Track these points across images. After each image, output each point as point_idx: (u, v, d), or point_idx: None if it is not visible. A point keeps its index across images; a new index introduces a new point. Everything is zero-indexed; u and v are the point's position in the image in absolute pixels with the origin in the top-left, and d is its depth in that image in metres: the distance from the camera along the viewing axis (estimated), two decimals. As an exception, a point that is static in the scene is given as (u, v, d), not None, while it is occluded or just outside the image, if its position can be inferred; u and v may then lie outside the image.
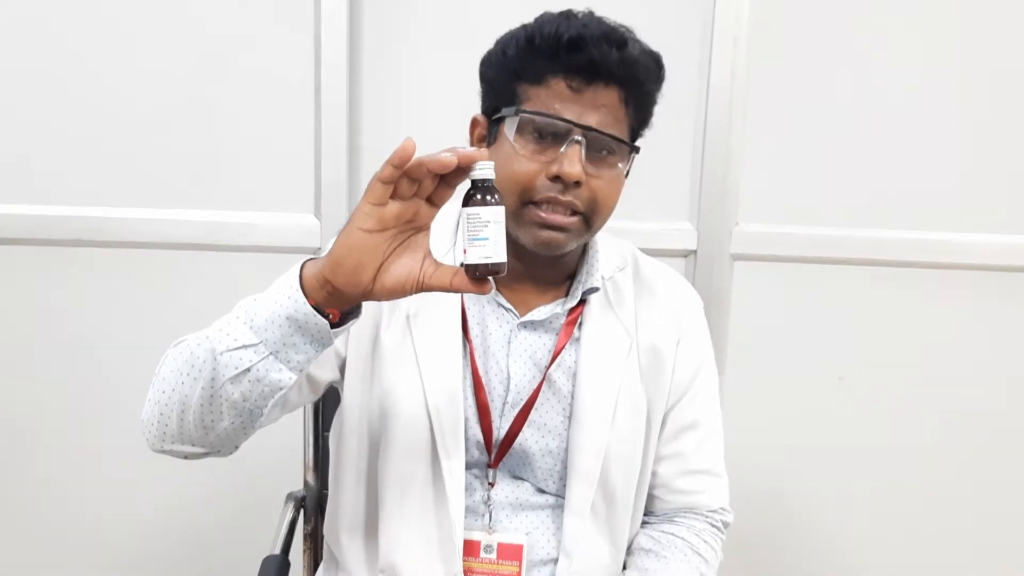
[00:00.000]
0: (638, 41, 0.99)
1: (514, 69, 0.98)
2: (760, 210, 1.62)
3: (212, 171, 1.60)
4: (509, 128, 0.96)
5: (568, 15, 0.98)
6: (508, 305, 1.05)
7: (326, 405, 1.31)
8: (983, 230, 1.61)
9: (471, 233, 0.79)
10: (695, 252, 1.62)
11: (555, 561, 1.04)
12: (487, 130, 1.02)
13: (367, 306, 1.01)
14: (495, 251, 0.78)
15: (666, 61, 1.02)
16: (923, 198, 1.61)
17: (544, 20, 0.98)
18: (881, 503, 1.70)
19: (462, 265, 0.80)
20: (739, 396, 1.62)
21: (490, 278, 0.80)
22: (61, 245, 1.61)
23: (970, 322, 1.65)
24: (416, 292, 0.81)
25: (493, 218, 0.78)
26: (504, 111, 0.98)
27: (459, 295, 1.03)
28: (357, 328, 1.02)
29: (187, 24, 1.56)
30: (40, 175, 1.60)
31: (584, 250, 1.08)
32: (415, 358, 1.01)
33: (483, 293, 0.81)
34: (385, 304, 1.03)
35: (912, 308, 1.64)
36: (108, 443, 1.67)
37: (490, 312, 1.05)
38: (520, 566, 1.02)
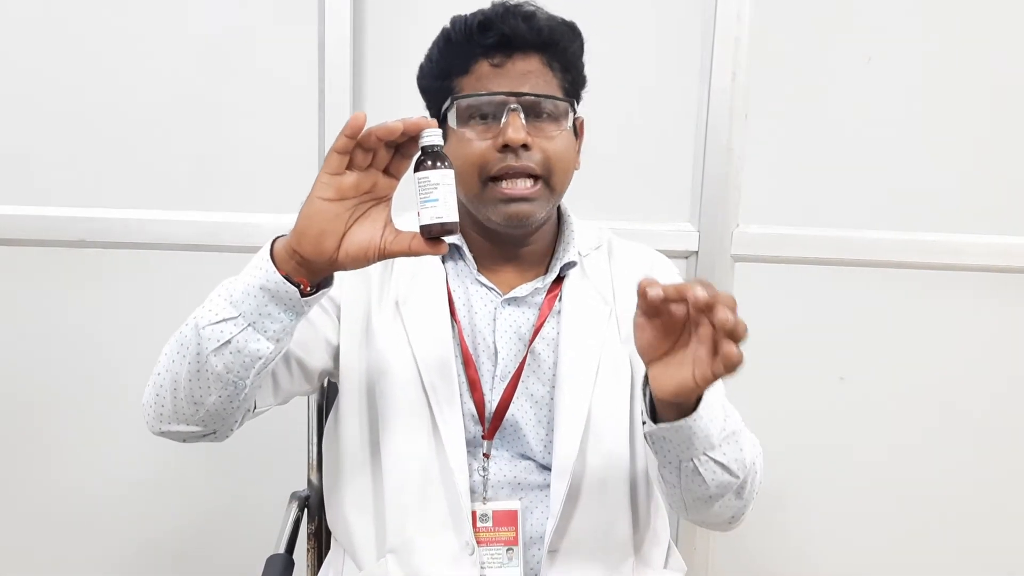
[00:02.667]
0: (548, 13, 1.05)
1: (442, 70, 1.05)
2: (761, 211, 1.62)
3: (215, 172, 1.61)
4: (452, 120, 1.03)
5: (482, 8, 1.04)
6: (491, 285, 1.09)
7: (328, 405, 1.31)
8: (983, 230, 1.62)
9: (422, 196, 0.84)
10: (696, 253, 1.62)
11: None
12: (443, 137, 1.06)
13: (358, 294, 1.07)
14: (445, 211, 0.84)
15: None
16: (923, 199, 1.62)
17: (455, 18, 1.05)
18: (881, 503, 1.71)
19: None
20: (739, 396, 1.62)
21: (446, 239, 0.86)
22: (65, 246, 1.62)
23: (970, 322, 1.66)
24: (379, 259, 0.86)
25: (442, 180, 0.84)
26: (444, 106, 1.04)
27: (444, 279, 1.08)
28: (348, 315, 1.07)
29: (190, 24, 1.57)
30: (44, 176, 1.61)
31: (560, 229, 1.12)
32: (407, 339, 1.05)
33: (438, 253, 0.86)
34: (374, 291, 1.08)
35: (912, 308, 1.65)
36: (112, 443, 1.67)
37: (475, 292, 1.09)
38: (516, 531, 1.04)
